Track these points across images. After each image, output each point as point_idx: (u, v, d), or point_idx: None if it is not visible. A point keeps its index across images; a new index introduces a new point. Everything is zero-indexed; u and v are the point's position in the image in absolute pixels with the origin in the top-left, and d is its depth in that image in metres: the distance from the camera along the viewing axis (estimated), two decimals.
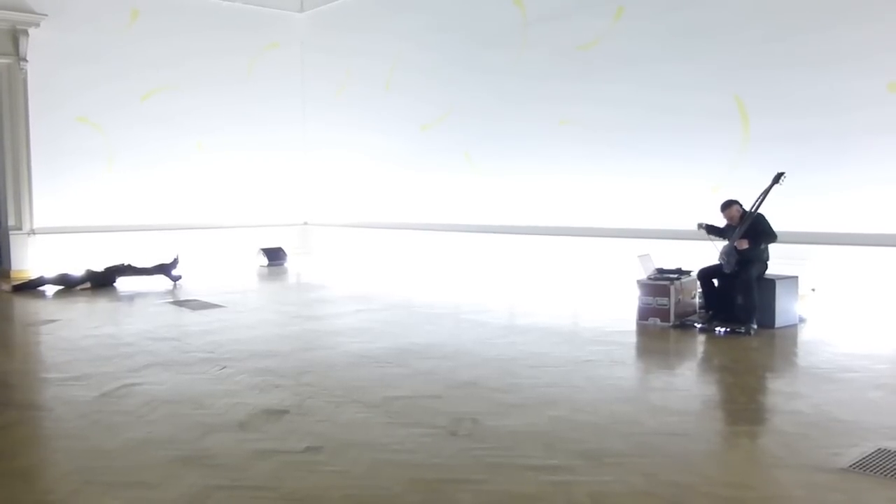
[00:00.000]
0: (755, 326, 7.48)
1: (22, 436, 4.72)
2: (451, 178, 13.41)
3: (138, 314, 9.26)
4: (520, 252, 12.18)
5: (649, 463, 4.00)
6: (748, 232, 7.73)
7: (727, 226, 8.07)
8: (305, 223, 16.51)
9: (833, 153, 8.87)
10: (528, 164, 12.16)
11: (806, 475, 3.82)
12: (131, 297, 10.65)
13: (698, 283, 8.20)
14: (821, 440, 4.33)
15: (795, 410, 4.96)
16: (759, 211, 7.78)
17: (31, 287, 11.33)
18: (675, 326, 7.87)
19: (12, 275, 12.65)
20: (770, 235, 7.80)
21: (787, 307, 7.88)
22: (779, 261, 8.11)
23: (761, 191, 7.81)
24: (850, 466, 3.91)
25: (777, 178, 7.76)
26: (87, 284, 11.49)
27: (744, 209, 7.93)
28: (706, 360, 6.88)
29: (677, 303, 7.96)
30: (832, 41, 8.87)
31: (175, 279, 11.94)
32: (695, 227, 8.23)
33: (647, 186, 10.63)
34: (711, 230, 8.14)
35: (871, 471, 3.85)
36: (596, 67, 11.17)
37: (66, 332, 7.97)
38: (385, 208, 14.75)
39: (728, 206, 8.03)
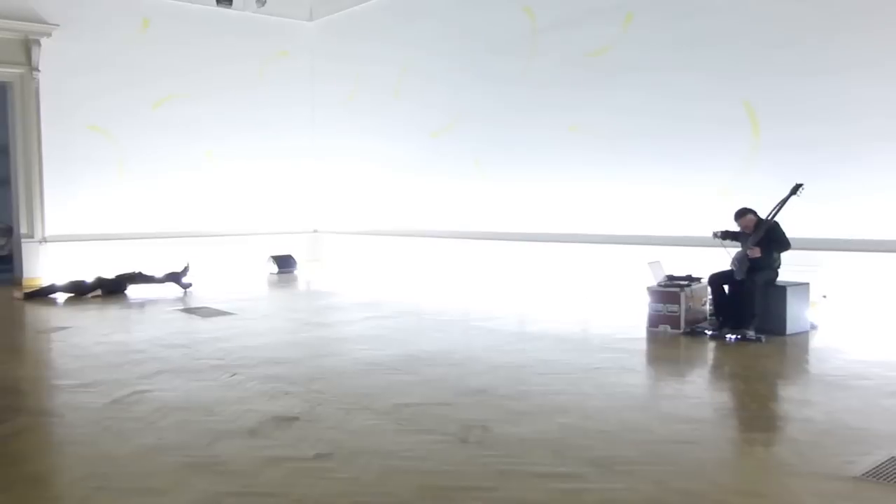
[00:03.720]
0: (752, 332, 7.44)
1: (33, 442, 4.75)
2: (460, 185, 13.42)
3: (149, 321, 9.30)
4: (529, 259, 12.17)
5: (660, 471, 3.98)
6: (762, 240, 7.70)
7: (741, 233, 8.04)
8: (315, 231, 16.55)
9: (844, 160, 8.83)
10: (538, 171, 12.16)
11: (818, 483, 3.79)
12: (142, 305, 10.69)
13: (709, 289, 8.18)
14: (833, 448, 4.30)
15: (807, 418, 4.93)
16: (775, 220, 7.75)
17: (42, 294, 11.40)
18: (685, 333, 7.84)
19: (24, 282, 12.72)
20: (783, 243, 7.76)
21: (798, 314, 7.84)
22: (790, 268, 8.07)
23: (778, 201, 7.76)
24: (864, 475, 3.88)
25: (795, 190, 7.71)
26: (98, 292, 11.55)
27: (759, 217, 7.90)
28: (717, 368, 6.85)
29: (687, 310, 7.93)
30: (842, 48, 8.83)
31: (185, 287, 11.99)
32: (708, 235, 8.20)
33: (656, 193, 10.60)
34: (727, 235, 8.11)
35: (885, 479, 3.82)
36: (605, 75, 11.17)
37: (77, 339, 8.01)
38: (394, 215, 14.76)
39: (743, 214, 8.00)
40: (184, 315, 9.65)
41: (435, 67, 13.77)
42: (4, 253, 16.57)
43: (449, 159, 13.59)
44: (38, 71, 13.07)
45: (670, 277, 8.37)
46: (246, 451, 4.35)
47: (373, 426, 4.81)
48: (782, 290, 7.75)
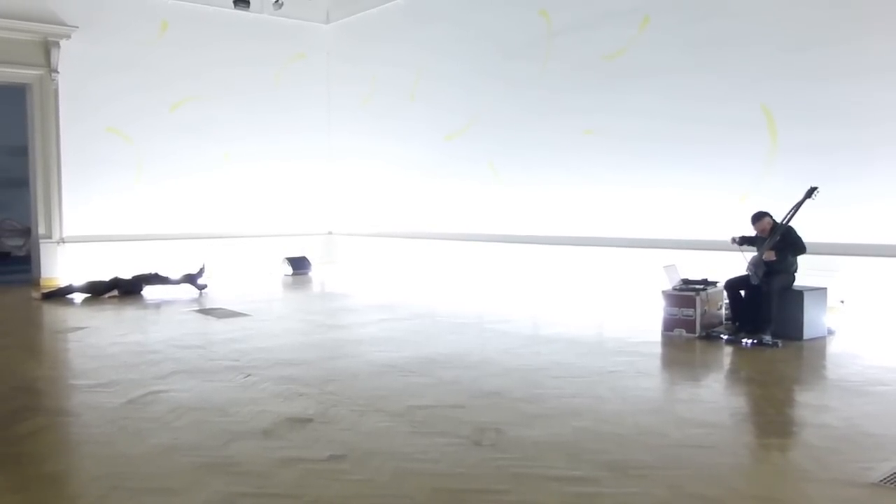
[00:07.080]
0: (768, 337, 7.37)
1: (51, 441, 4.78)
2: (475, 187, 13.42)
3: (165, 322, 9.35)
4: (544, 262, 12.15)
5: (675, 475, 3.95)
6: (777, 244, 7.64)
7: (757, 237, 7.99)
8: (330, 232, 16.60)
9: (862, 164, 8.76)
10: (552, 174, 12.14)
11: (836, 490, 3.76)
12: (158, 306, 10.75)
13: (725, 293, 8.13)
14: (851, 454, 4.26)
15: (824, 424, 4.88)
16: (790, 224, 7.69)
17: (60, 295, 11.49)
18: (700, 338, 7.79)
19: (42, 283, 12.84)
20: (798, 246, 7.69)
21: (815, 319, 7.77)
22: (807, 272, 8.00)
23: (793, 204, 7.71)
24: (881, 481, 3.84)
25: (810, 193, 7.64)
26: (115, 292, 11.63)
27: (775, 221, 7.85)
28: (733, 372, 6.80)
29: (703, 314, 7.88)
30: (861, 52, 8.77)
31: (201, 288, 12.04)
32: (726, 240, 8.14)
33: (672, 197, 10.56)
34: (744, 240, 8.03)
35: None
36: (621, 78, 11.14)
37: (93, 340, 8.06)
38: (409, 218, 14.78)
39: (759, 217, 7.94)
40: (199, 316, 9.70)
41: (451, 70, 13.79)
42: (22, 253, 16.77)
43: (464, 162, 13.60)
44: (57, 73, 13.19)
45: (686, 281, 8.33)
46: (260, 451, 4.36)
47: (386, 428, 4.81)
48: (799, 294, 7.68)
